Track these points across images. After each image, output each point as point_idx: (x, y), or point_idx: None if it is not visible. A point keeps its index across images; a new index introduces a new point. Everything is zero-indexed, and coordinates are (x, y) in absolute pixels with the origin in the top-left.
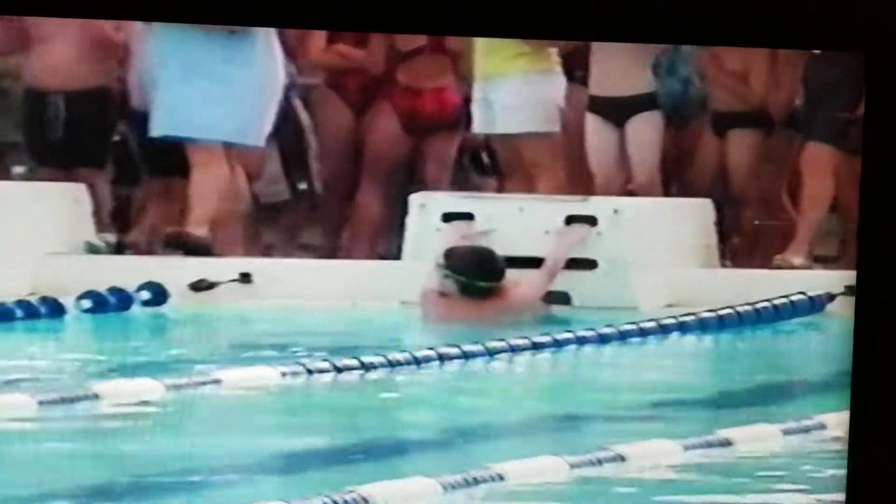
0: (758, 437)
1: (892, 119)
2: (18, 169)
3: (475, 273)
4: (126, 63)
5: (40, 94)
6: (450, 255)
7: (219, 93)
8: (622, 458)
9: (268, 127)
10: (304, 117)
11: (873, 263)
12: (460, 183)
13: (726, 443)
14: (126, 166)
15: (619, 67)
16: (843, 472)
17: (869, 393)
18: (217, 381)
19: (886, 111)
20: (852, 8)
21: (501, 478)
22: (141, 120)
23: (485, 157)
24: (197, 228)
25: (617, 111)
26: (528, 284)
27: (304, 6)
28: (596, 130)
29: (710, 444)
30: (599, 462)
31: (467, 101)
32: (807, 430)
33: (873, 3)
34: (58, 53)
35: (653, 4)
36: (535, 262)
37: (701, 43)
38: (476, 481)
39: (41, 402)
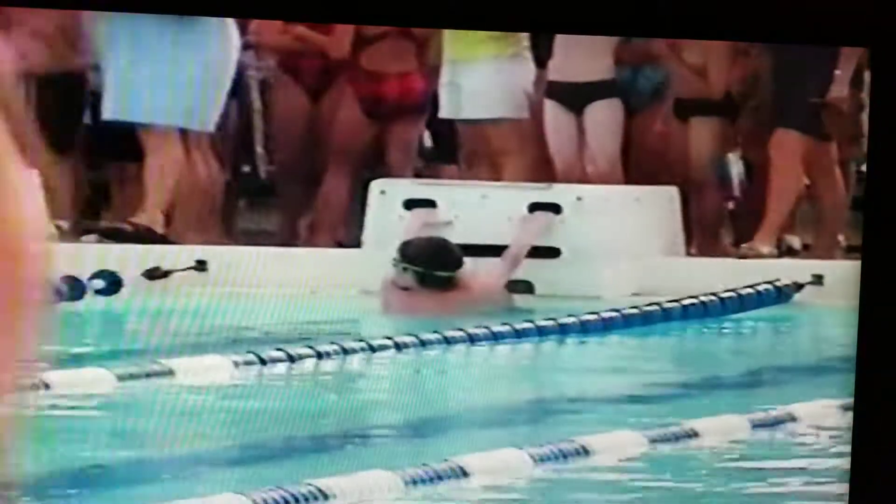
0: (725, 429)
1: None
2: None
3: (432, 263)
4: (76, 47)
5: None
6: (405, 247)
7: (169, 76)
8: (586, 451)
9: (218, 111)
10: (254, 101)
11: (879, 257)
12: (423, 169)
13: (692, 434)
14: (81, 152)
15: (581, 53)
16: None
17: (873, 383)
18: (170, 372)
19: (890, 107)
20: (855, 3)
21: (464, 471)
22: (95, 104)
23: (426, 140)
24: (152, 214)
25: (576, 97)
26: (489, 274)
27: None
28: (554, 116)
29: (676, 436)
30: (563, 455)
31: (433, 85)
32: (776, 421)
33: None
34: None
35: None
36: (498, 250)
37: (699, 37)
38: (438, 475)
39: None
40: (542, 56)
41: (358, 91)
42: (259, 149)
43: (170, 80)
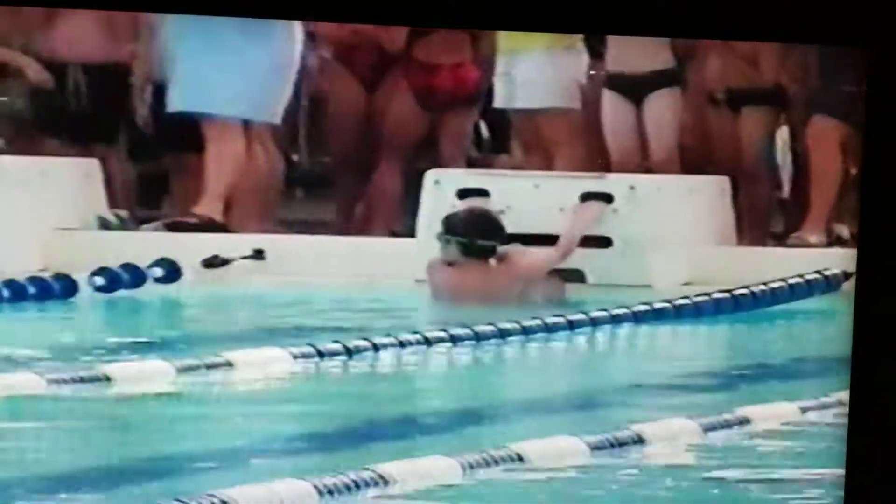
0: (776, 416)
1: (893, 116)
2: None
3: (473, 232)
4: (140, 38)
5: (53, 66)
6: (448, 220)
7: (236, 69)
8: (641, 440)
9: (283, 103)
10: (311, 93)
11: (874, 258)
12: (477, 159)
13: (745, 421)
14: (141, 141)
15: (638, 44)
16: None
17: (869, 375)
18: (228, 364)
19: (888, 107)
20: (855, 3)
21: (521, 458)
22: (158, 95)
23: (483, 132)
24: (211, 204)
25: (635, 88)
26: (536, 256)
27: None
28: (613, 107)
29: (728, 423)
30: (619, 443)
31: (487, 76)
32: (824, 407)
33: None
34: (72, 27)
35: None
36: (550, 240)
37: (704, 36)
38: (495, 461)
39: (50, 381)
40: (595, 47)
41: (412, 82)
42: (314, 139)
43: (235, 72)
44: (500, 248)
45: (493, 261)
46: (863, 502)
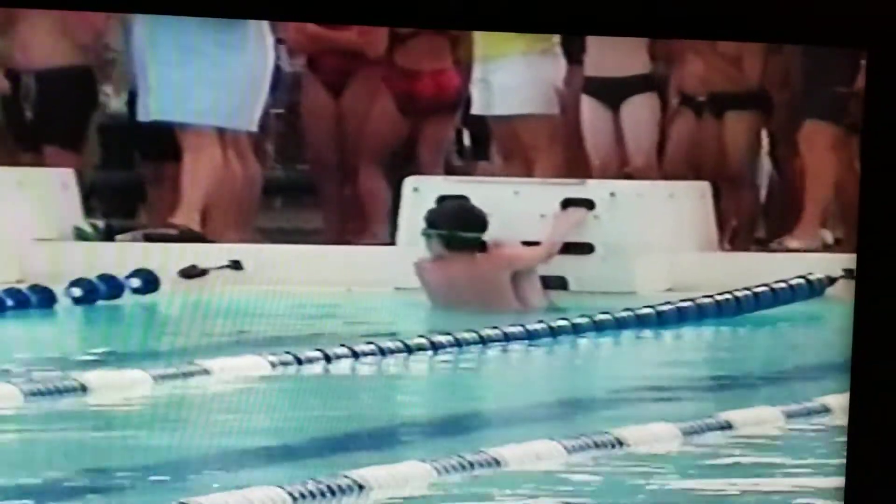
0: (759, 421)
1: (893, 116)
2: None
3: (456, 224)
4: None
5: (15, 73)
6: (430, 215)
7: (210, 77)
8: (620, 443)
9: (259, 111)
10: (285, 100)
11: (874, 256)
12: (457, 166)
13: (727, 426)
14: (115, 150)
15: (616, 48)
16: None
17: (869, 379)
18: (206, 372)
19: (887, 107)
20: (854, 5)
21: (498, 462)
22: (132, 104)
23: (465, 139)
24: (189, 214)
25: (612, 92)
26: (522, 248)
27: None
28: (592, 112)
29: (710, 428)
30: (596, 446)
31: (465, 82)
32: (808, 412)
33: (875, 0)
34: (33, 32)
35: None
36: (531, 247)
37: (701, 37)
38: (472, 465)
39: (27, 394)
40: (573, 52)
41: (392, 88)
42: (290, 148)
43: (209, 81)
44: (485, 240)
45: (478, 253)
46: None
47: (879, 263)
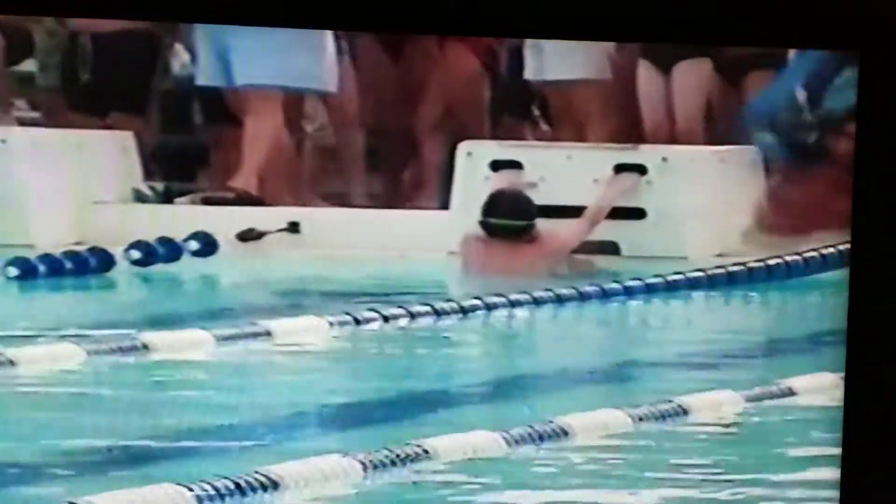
0: (819, 387)
1: (888, 117)
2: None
3: (503, 213)
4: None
5: (74, 35)
6: (486, 202)
7: (282, 35)
8: (685, 411)
9: (332, 72)
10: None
11: (868, 264)
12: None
13: (789, 392)
14: (175, 113)
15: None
16: None
17: (866, 354)
18: (267, 333)
19: (881, 110)
20: (847, 6)
21: (565, 432)
22: (193, 66)
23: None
24: (247, 178)
25: (666, 57)
26: (565, 231)
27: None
28: (647, 77)
29: (772, 395)
30: (662, 416)
31: (519, 48)
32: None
33: (868, 1)
34: None
35: (648, 2)
36: (582, 212)
37: (695, 41)
38: (540, 435)
39: (90, 353)
40: None
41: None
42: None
43: (279, 43)
44: (531, 227)
45: (524, 242)
46: (863, 479)
47: (873, 264)
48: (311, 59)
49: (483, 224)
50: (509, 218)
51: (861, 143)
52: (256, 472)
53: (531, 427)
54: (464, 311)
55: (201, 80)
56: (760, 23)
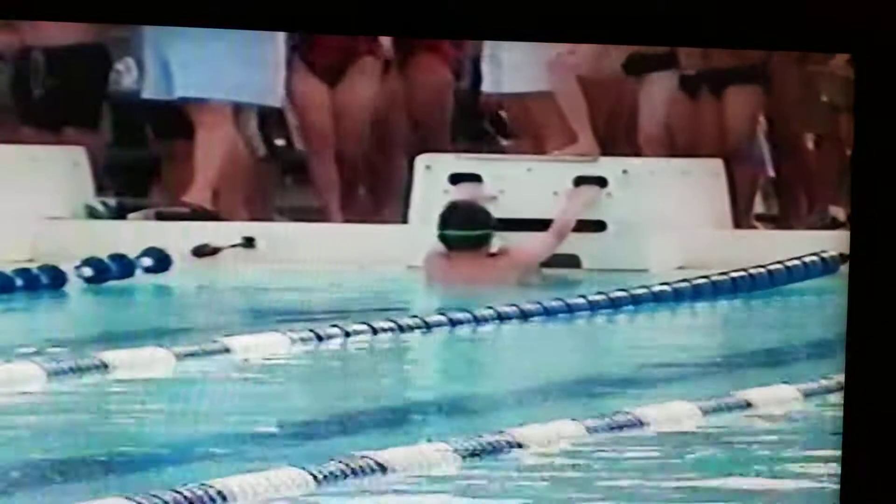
0: (776, 399)
1: (882, 121)
2: None
3: (458, 224)
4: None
5: (26, 50)
6: (441, 214)
7: (233, 52)
8: (641, 423)
9: (282, 84)
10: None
11: (866, 264)
12: (467, 144)
13: (745, 405)
14: (127, 128)
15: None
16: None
17: (864, 359)
18: (226, 349)
19: (875, 112)
20: (841, 10)
21: (520, 444)
22: (144, 79)
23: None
24: (201, 192)
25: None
26: (533, 245)
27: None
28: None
29: (728, 407)
30: (618, 427)
31: (476, 60)
32: (826, 391)
33: (862, 6)
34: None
35: (644, 5)
36: (544, 224)
37: (690, 44)
38: (493, 447)
39: (50, 373)
40: None
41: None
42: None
43: (231, 57)
44: (494, 239)
45: (489, 251)
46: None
47: (873, 256)
48: (257, 73)
49: (441, 237)
50: (465, 228)
51: (858, 144)
52: (204, 485)
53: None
54: (427, 326)
55: (147, 93)
56: (754, 26)
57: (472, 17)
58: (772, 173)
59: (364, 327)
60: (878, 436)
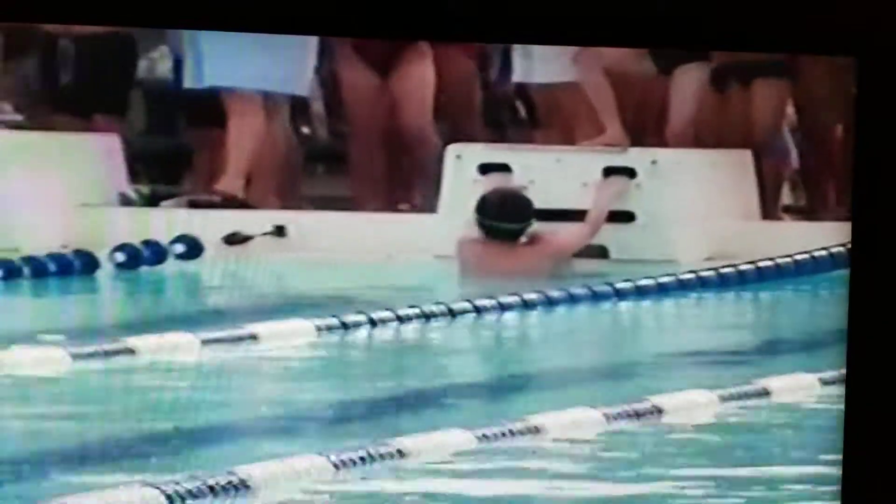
0: (796, 387)
1: (884, 123)
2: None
3: (501, 215)
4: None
5: (53, 38)
6: (481, 200)
7: (260, 41)
8: (659, 411)
9: (308, 76)
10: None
11: (867, 262)
12: (497, 134)
13: (764, 393)
14: (160, 116)
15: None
16: None
17: (866, 353)
18: (253, 336)
19: (878, 115)
20: (843, 12)
21: (538, 430)
22: (177, 68)
23: (520, 108)
24: (233, 180)
25: (666, 59)
26: (567, 234)
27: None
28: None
29: (747, 395)
30: (637, 415)
31: (507, 51)
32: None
33: (865, 8)
34: None
35: (646, 8)
36: (573, 215)
37: (693, 47)
38: (512, 433)
39: (75, 356)
40: None
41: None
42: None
43: (258, 46)
44: (531, 228)
45: (523, 240)
46: (862, 479)
47: (873, 255)
48: (289, 64)
49: (483, 226)
50: (508, 219)
51: (860, 147)
52: (229, 472)
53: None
54: (453, 314)
55: (186, 81)
56: (758, 29)
57: (480, 19)
58: (796, 166)
59: (389, 314)
60: (879, 432)
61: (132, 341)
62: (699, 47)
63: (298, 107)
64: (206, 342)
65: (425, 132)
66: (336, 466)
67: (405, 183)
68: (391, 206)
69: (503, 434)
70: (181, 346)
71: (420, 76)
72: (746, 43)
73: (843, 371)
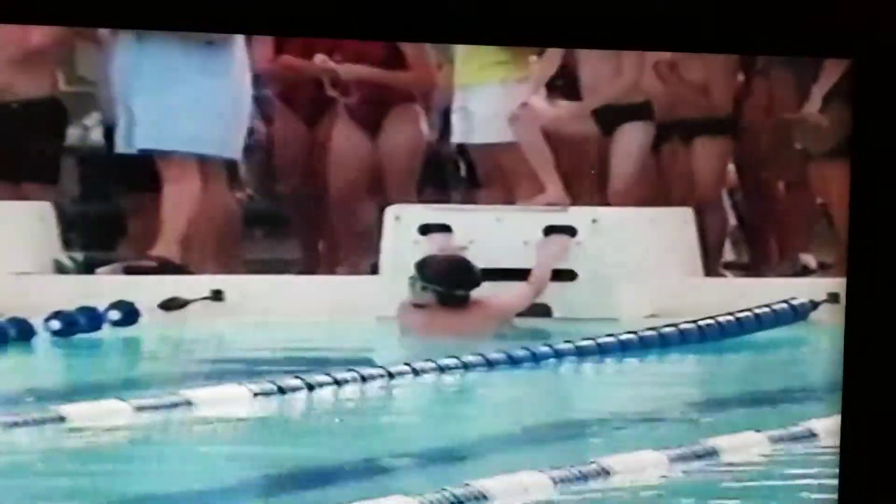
0: (744, 446)
1: (881, 126)
2: None
3: (451, 282)
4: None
5: None
6: (423, 266)
7: (194, 105)
8: (607, 472)
9: (241, 139)
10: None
11: (863, 271)
12: (436, 194)
13: (713, 452)
14: (93, 182)
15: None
16: (833, 480)
17: (860, 401)
18: (188, 402)
19: (875, 118)
20: (840, 14)
21: (485, 496)
22: (109, 134)
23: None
24: (168, 246)
25: (608, 118)
26: (510, 295)
27: (281, 13)
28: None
29: (696, 455)
30: (584, 477)
31: (447, 111)
32: (794, 437)
33: (861, 10)
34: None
35: (644, 10)
36: (515, 274)
37: (689, 50)
38: (458, 499)
39: (3, 425)
40: (553, 79)
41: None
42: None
43: (192, 109)
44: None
45: (464, 307)
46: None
47: (869, 284)
48: (222, 125)
49: (422, 288)
50: (453, 287)
51: (857, 150)
52: None
53: (447, 491)
54: (391, 375)
55: (120, 147)
56: (753, 31)
57: (480, 19)
58: (733, 222)
59: (327, 378)
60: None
61: (63, 409)
62: (699, 48)
63: (234, 169)
64: (139, 409)
65: (361, 193)
66: None
67: (345, 245)
68: (330, 268)
69: (448, 501)
70: (113, 413)
71: (357, 135)
72: (746, 44)
73: (792, 430)
